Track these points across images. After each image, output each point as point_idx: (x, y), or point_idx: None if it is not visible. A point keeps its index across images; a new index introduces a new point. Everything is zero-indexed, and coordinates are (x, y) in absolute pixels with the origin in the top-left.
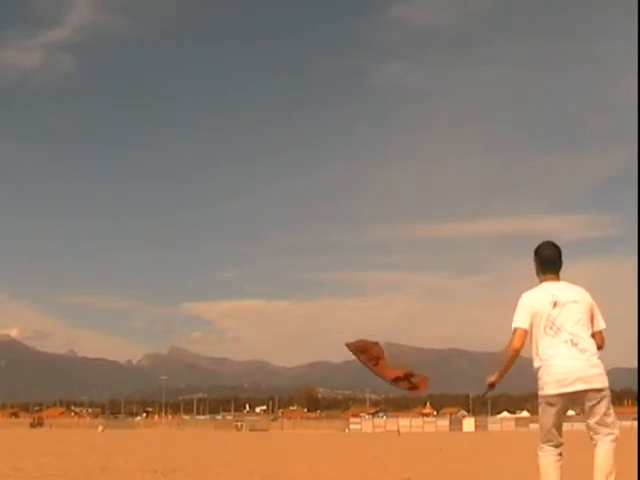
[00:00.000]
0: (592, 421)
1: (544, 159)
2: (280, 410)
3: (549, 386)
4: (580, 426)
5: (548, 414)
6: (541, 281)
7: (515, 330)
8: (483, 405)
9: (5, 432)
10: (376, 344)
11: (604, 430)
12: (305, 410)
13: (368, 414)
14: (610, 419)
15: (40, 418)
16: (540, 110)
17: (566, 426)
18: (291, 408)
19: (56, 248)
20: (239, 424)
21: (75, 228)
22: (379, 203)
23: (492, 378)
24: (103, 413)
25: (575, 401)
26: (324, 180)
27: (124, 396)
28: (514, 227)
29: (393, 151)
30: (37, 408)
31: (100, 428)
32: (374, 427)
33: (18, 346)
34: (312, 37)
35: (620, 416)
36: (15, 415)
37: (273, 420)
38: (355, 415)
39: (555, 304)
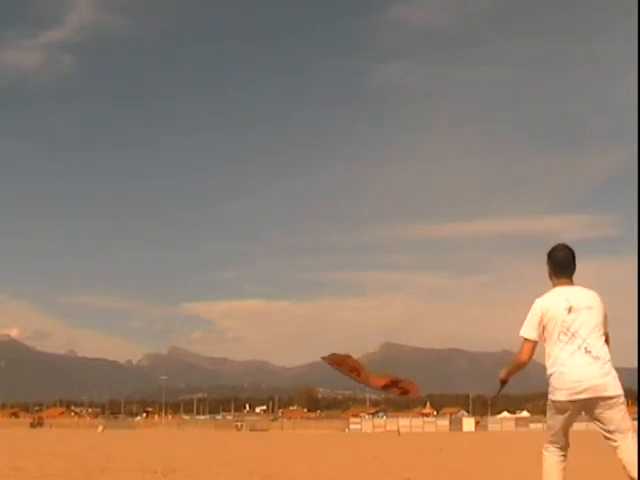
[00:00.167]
0: (609, 428)
1: (544, 159)
2: (280, 410)
3: (560, 393)
4: (580, 426)
5: (557, 418)
6: (554, 285)
7: (523, 341)
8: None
9: (5, 432)
10: (349, 356)
11: (620, 435)
12: (305, 410)
13: (368, 414)
14: (625, 424)
15: (40, 418)
16: (540, 110)
17: None
18: (291, 408)
19: (56, 248)
20: (239, 424)
21: (75, 228)
22: (379, 203)
23: (502, 374)
24: (103, 413)
25: (587, 408)
26: (324, 180)
27: (124, 396)
28: (514, 227)
29: (393, 151)
30: (37, 408)
31: (100, 428)
32: (374, 427)
33: (18, 346)
34: (312, 37)
35: None
36: (15, 415)
37: (273, 420)
38: (355, 415)
39: (570, 309)
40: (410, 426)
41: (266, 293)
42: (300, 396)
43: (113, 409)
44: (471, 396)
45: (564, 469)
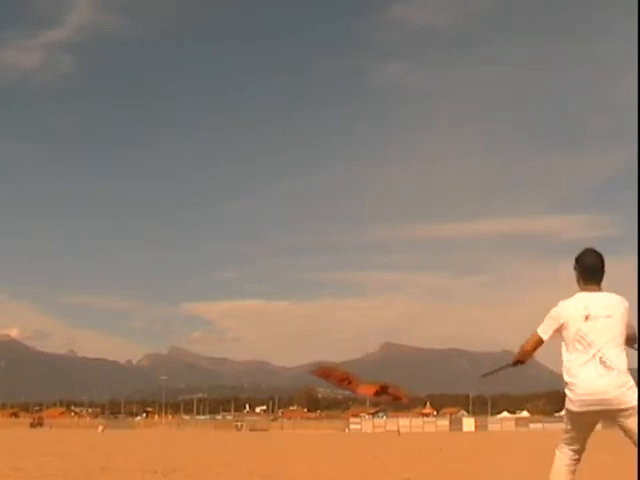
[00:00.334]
0: (630, 435)
1: (544, 159)
2: (280, 410)
3: (574, 404)
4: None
5: (571, 425)
6: (581, 290)
7: (533, 334)
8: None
9: (5, 432)
10: (336, 367)
11: None
12: (305, 410)
13: (368, 414)
14: None
15: (40, 418)
16: (540, 110)
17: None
18: (291, 408)
19: (56, 248)
20: (239, 424)
21: (75, 228)
22: (379, 203)
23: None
24: (103, 413)
25: (603, 418)
26: (324, 180)
27: (124, 396)
28: (514, 227)
29: (393, 151)
30: (37, 408)
31: (100, 428)
32: (374, 427)
33: (18, 346)
34: (312, 37)
35: None
36: (15, 415)
37: (273, 420)
38: (355, 415)
39: (587, 317)
40: (410, 426)
41: (266, 293)
42: (300, 396)
43: (113, 409)
44: (471, 396)
45: (574, 472)
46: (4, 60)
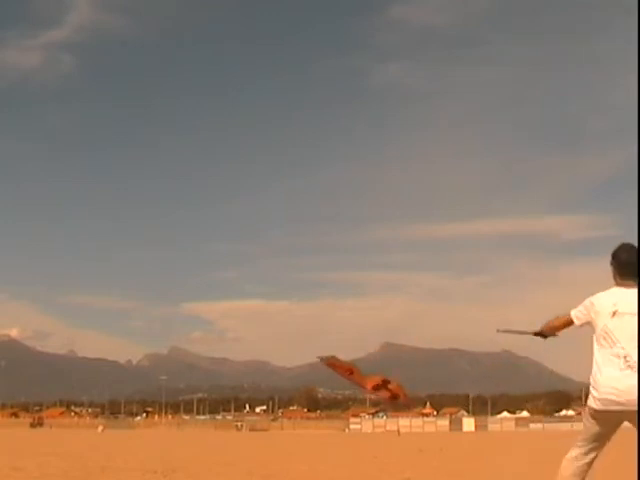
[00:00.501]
0: None
1: (544, 159)
2: (280, 410)
3: (595, 402)
4: (580, 427)
5: (591, 424)
6: (616, 285)
7: (566, 314)
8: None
9: (5, 432)
10: (337, 360)
11: None
12: (305, 410)
13: (368, 414)
14: None
15: (40, 418)
16: (540, 110)
17: (566, 426)
18: (291, 408)
19: (56, 248)
20: (239, 424)
21: (75, 228)
22: (379, 203)
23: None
24: (103, 413)
25: (626, 418)
26: (324, 180)
27: (124, 396)
28: (514, 227)
29: (393, 151)
30: (37, 408)
31: (100, 428)
32: (374, 427)
33: (18, 346)
34: (312, 37)
35: None
36: (15, 415)
37: (273, 420)
38: (355, 415)
39: (614, 314)
40: (410, 426)
41: (266, 293)
42: (300, 396)
43: (113, 409)
44: (471, 396)
45: (584, 470)
46: (4, 60)
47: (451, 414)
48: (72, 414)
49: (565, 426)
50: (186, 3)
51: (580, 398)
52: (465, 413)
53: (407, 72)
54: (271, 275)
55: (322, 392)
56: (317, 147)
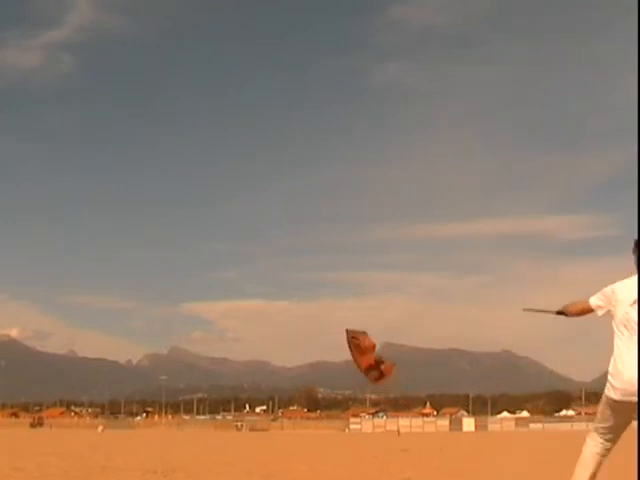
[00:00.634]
0: None
1: (544, 159)
2: (280, 410)
3: (614, 391)
4: (580, 426)
5: (608, 412)
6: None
7: (586, 300)
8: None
9: (5, 432)
10: (363, 338)
11: None
12: (305, 410)
13: (368, 414)
14: None
15: (40, 418)
16: (540, 110)
17: (566, 426)
18: (291, 408)
19: (56, 248)
20: (239, 424)
21: (75, 228)
22: (379, 203)
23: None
24: (103, 413)
25: None
26: (324, 180)
27: (124, 396)
28: (514, 227)
29: (393, 151)
30: (37, 408)
31: (100, 428)
32: (374, 427)
33: (18, 346)
34: (312, 37)
35: None
36: (15, 415)
37: (273, 420)
38: (355, 415)
39: (635, 302)
40: (410, 426)
41: (266, 293)
42: (300, 396)
43: (113, 409)
44: (471, 396)
45: (600, 464)
46: (4, 60)
47: (451, 414)
48: (72, 414)
49: (565, 426)
50: (186, 3)
51: (580, 398)
52: (465, 413)
53: (407, 72)
54: (271, 275)
55: (322, 392)
56: (317, 147)
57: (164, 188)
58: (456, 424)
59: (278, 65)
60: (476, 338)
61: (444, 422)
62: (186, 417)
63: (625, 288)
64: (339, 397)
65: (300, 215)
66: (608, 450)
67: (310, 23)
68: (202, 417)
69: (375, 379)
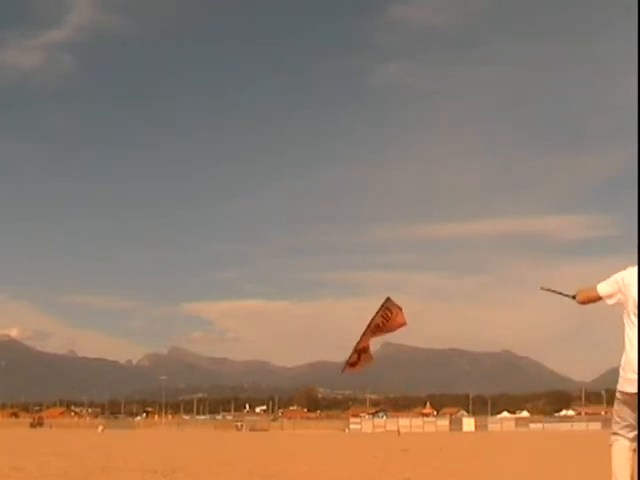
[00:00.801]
0: None
1: (544, 159)
2: (280, 410)
3: (625, 383)
4: (579, 426)
5: (621, 408)
6: None
7: (595, 288)
8: (483, 405)
9: (5, 432)
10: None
11: None
12: (305, 410)
13: (368, 414)
14: None
15: (40, 418)
16: (540, 110)
17: (566, 426)
18: (291, 408)
19: (56, 248)
20: (239, 424)
21: (75, 228)
22: (379, 203)
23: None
24: (103, 413)
25: None
26: (324, 180)
27: (124, 396)
28: (514, 227)
29: (393, 151)
30: (37, 408)
31: (100, 428)
32: (374, 427)
33: (18, 346)
34: (312, 37)
35: None
36: (15, 415)
37: (273, 420)
38: (355, 415)
39: None
40: (410, 426)
41: (266, 293)
42: (300, 396)
43: (113, 409)
44: (471, 396)
45: (633, 457)
46: (4, 60)
47: (451, 414)
48: (72, 414)
49: (565, 426)
50: (186, 3)
51: (580, 398)
52: (465, 413)
53: (407, 72)
54: (271, 275)
55: (322, 392)
56: (317, 147)
57: (164, 188)
58: (456, 424)
59: (278, 65)
60: (476, 338)
61: (444, 422)
62: (186, 417)
63: (634, 276)
64: (339, 397)
65: (300, 215)
66: (636, 447)
67: (310, 23)
68: (202, 417)
69: (351, 364)
